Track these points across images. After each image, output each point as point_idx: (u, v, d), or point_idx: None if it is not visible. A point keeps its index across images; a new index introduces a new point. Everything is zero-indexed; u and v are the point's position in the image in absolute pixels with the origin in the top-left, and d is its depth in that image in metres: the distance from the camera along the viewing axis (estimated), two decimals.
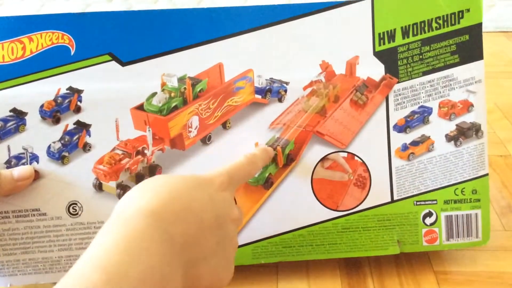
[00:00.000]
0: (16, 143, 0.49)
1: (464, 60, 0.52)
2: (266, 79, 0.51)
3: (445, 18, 0.52)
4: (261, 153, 0.47)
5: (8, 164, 0.49)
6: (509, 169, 0.72)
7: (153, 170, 0.51)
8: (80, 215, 0.50)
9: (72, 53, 0.49)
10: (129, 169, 0.50)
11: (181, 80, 0.50)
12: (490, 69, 1.07)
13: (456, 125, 0.53)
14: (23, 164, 0.49)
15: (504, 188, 0.68)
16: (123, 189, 0.50)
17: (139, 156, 0.50)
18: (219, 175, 0.40)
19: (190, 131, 0.51)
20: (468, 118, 0.53)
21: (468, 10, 0.52)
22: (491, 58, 1.14)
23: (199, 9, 0.50)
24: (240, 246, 0.51)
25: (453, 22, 0.52)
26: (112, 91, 0.49)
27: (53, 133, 0.49)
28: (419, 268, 0.53)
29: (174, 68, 0.50)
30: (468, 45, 0.52)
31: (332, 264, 0.54)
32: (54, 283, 0.30)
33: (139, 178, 0.50)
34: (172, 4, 1.26)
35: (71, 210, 0.50)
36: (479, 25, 0.52)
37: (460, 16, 0.52)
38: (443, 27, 0.52)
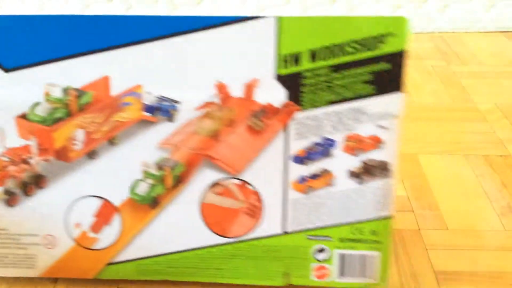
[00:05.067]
0: None
1: (380, 92, 0.47)
2: (156, 97, 0.48)
3: (362, 42, 0.45)
4: None
5: None
6: (509, 169, 0.71)
7: (38, 179, 0.50)
8: None
9: None
10: (14, 176, 0.50)
11: (66, 91, 0.47)
12: (490, 69, 1.06)
13: (362, 161, 0.48)
14: None
15: (504, 188, 0.67)
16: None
17: (24, 165, 0.49)
18: None
19: (75, 144, 0.49)
20: (377, 156, 0.48)
21: (391, 35, 0.45)
22: (491, 58, 1.12)
23: (85, 16, 0.46)
24: (124, 262, 0.51)
25: (370, 47, 0.46)
26: None
27: None
28: (419, 268, 0.53)
29: (60, 78, 0.47)
30: (387, 75, 0.46)
31: None
32: None
33: (23, 186, 0.50)
34: (172, 4, 1.20)
35: None
36: (402, 52, 0.45)
37: (381, 40, 0.45)
38: (359, 52, 0.46)
